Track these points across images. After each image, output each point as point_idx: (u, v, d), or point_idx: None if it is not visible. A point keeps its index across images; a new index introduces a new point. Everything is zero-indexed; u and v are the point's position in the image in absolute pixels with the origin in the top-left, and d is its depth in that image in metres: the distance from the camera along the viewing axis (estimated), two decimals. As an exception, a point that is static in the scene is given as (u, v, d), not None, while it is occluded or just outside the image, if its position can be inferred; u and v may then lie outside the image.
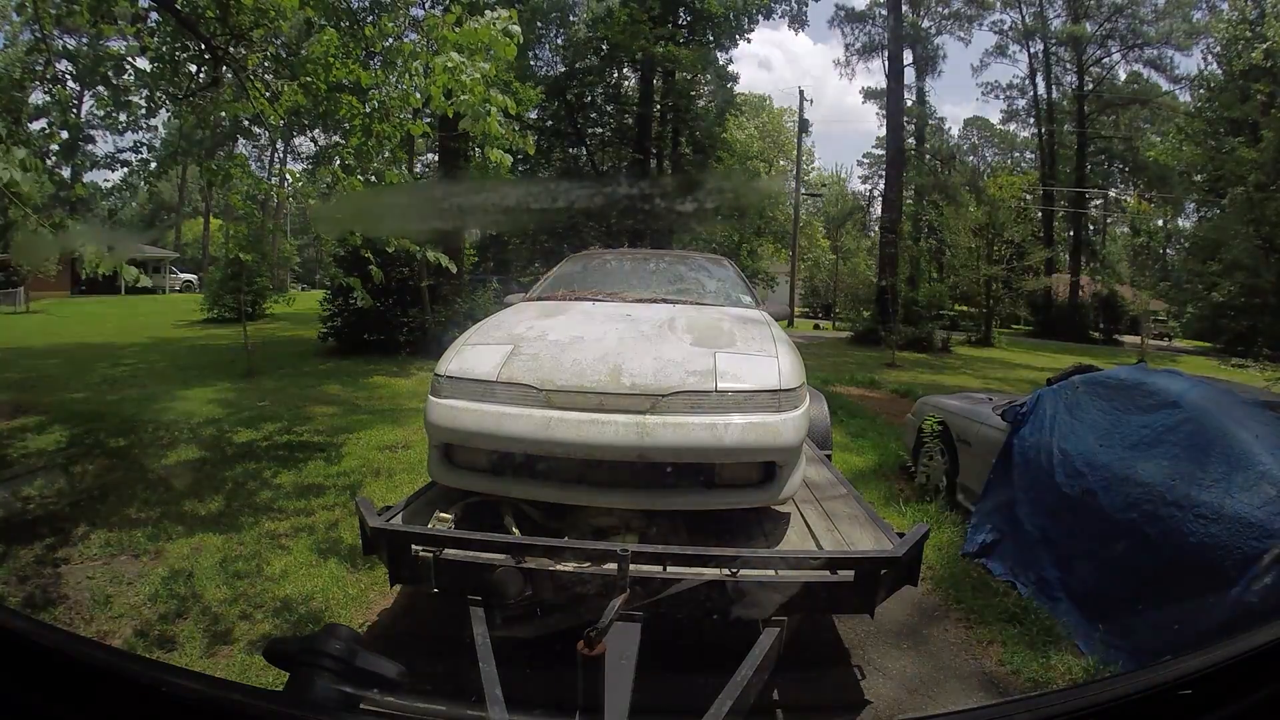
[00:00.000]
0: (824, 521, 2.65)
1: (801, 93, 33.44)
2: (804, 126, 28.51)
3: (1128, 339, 27.64)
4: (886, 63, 26.94)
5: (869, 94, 35.67)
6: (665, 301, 3.44)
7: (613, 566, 1.83)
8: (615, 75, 23.54)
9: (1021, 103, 35.16)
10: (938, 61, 31.89)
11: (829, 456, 3.81)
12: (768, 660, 1.76)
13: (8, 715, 0.66)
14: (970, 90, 78.73)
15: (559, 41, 23.55)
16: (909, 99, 29.62)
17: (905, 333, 17.45)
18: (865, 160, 46.62)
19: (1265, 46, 15.68)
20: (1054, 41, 31.86)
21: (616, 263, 4.31)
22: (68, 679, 0.68)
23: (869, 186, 43.91)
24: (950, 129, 39.75)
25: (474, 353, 2.63)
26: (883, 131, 33.72)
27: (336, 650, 0.82)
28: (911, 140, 31.69)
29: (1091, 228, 35.02)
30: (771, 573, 2.07)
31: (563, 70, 23.04)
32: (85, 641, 0.74)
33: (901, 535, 2.25)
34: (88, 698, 0.68)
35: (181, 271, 34.52)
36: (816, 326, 27.97)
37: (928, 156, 33.57)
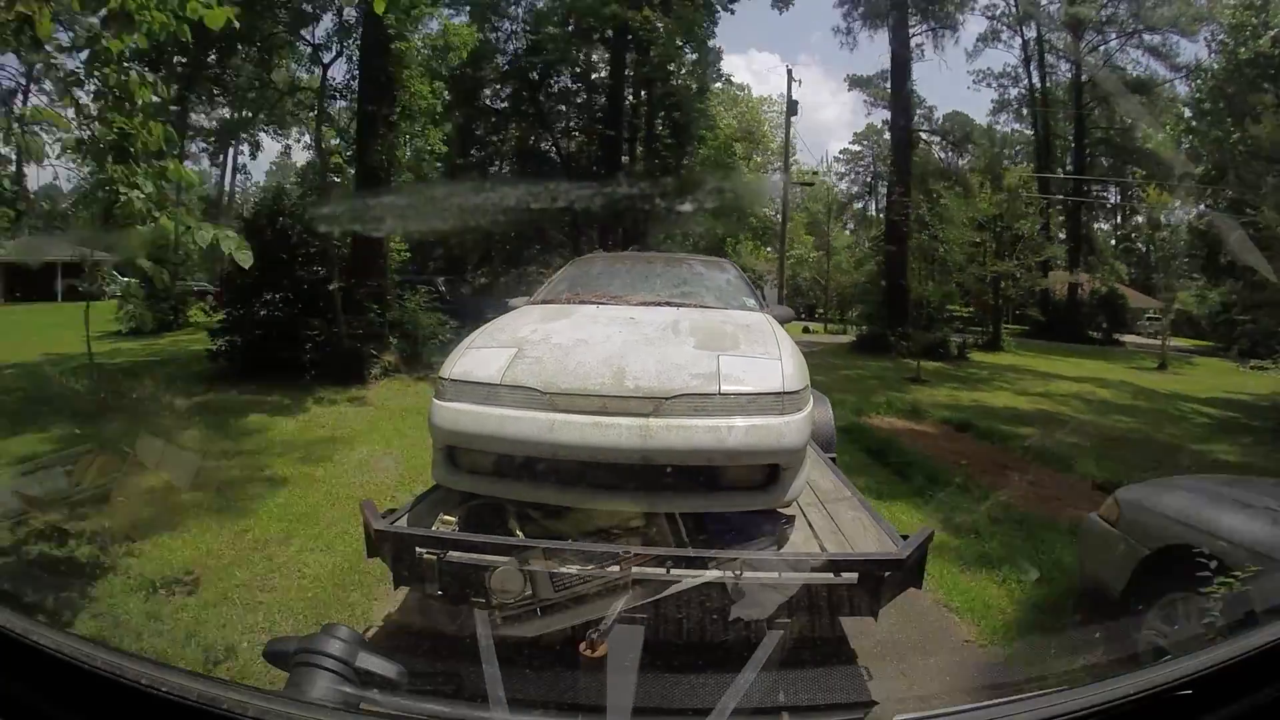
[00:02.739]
0: (828, 524, 2.65)
1: (790, 72, 29.78)
2: (793, 109, 24.83)
3: (1128, 339, 26.95)
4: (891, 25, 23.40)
5: (855, 81, 32.38)
6: (669, 304, 3.44)
7: (616, 568, 1.85)
8: (583, 50, 20.37)
9: (1014, 91, 32.55)
10: (953, 21, 27.53)
11: (834, 459, 3.80)
12: (772, 662, 1.77)
13: (8, 715, 0.66)
14: (960, 81, 72.48)
15: (519, 12, 20.89)
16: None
17: (918, 338, 15.73)
18: (842, 156, 42.45)
19: (1272, 34, 15.19)
20: (1049, 28, 29.81)
21: (620, 266, 4.33)
22: (68, 679, 0.68)
23: (848, 184, 41.35)
24: (937, 118, 36.66)
25: (478, 355, 2.65)
26: (866, 121, 31.74)
27: (336, 650, 0.83)
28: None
29: (1086, 221, 33.26)
30: (775, 575, 2.07)
31: (525, 45, 20.07)
32: (85, 641, 0.73)
33: (906, 537, 2.25)
34: (88, 698, 0.68)
35: (123, 275, 31.99)
36: (806, 330, 25.61)
37: (935, 138, 31.04)
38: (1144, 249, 35.08)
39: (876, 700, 2.53)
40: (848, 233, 36.66)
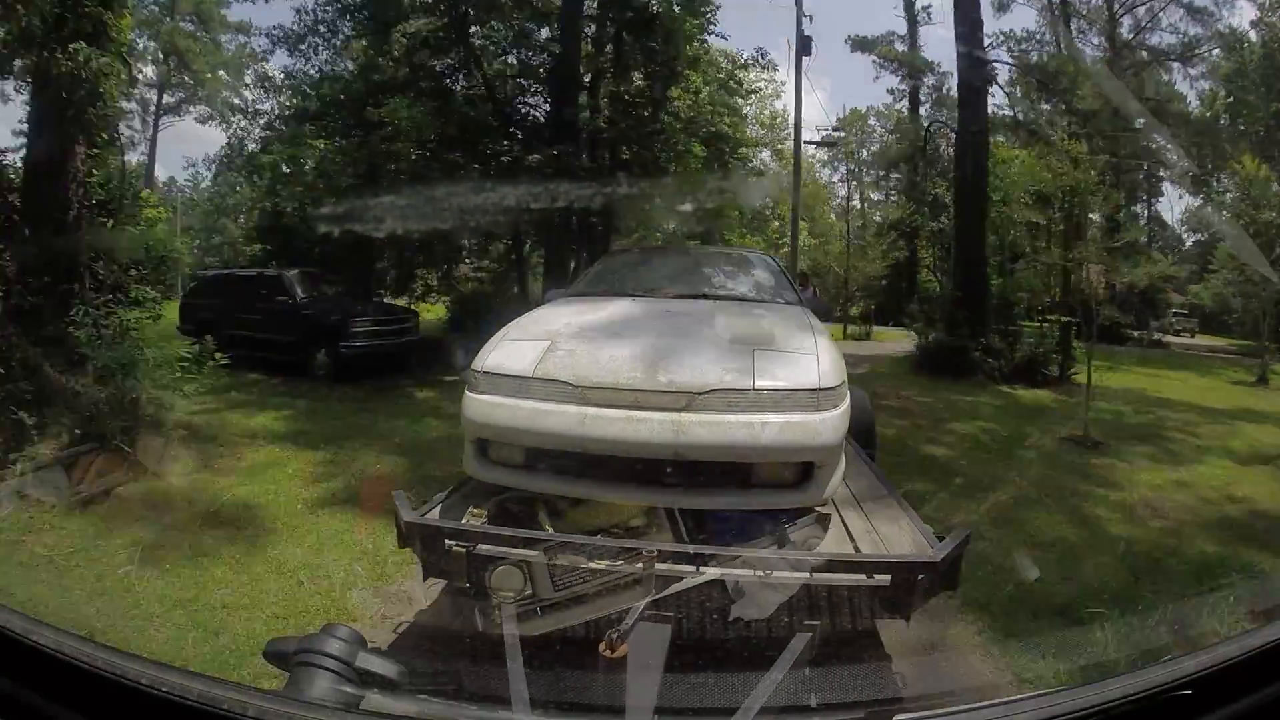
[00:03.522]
0: (863, 523, 2.60)
1: (799, 3, 23.91)
2: (805, 47, 17.42)
3: (1172, 340, 23.41)
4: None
5: (859, 44, 26.95)
6: (705, 298, 3.44)
7: (639, 565, 1.85)
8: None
9: (1035, 57, 26.09)
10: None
11: (873, 457, 3.71)
12: (800, 662, 1.76)
13: (8, 715, 0.66)
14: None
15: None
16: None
17: (1002, 350, 11.21)
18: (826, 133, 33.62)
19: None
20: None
21: (657, 258, 4.42)
22: (68, 679, 0.69)
23: (837, 171, 34.84)
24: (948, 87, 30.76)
25: (511, 348, 2.67)
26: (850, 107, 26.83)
27: (336, 650, 0.83)
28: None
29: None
30: (805, 575, 2.03)
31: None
32: (85, 641, 0.74)
33: (942, 539, 2.20)
34: (87, 698, 0.69)
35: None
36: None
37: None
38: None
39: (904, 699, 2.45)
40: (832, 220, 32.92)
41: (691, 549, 2.06)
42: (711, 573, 1.95)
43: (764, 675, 1.55)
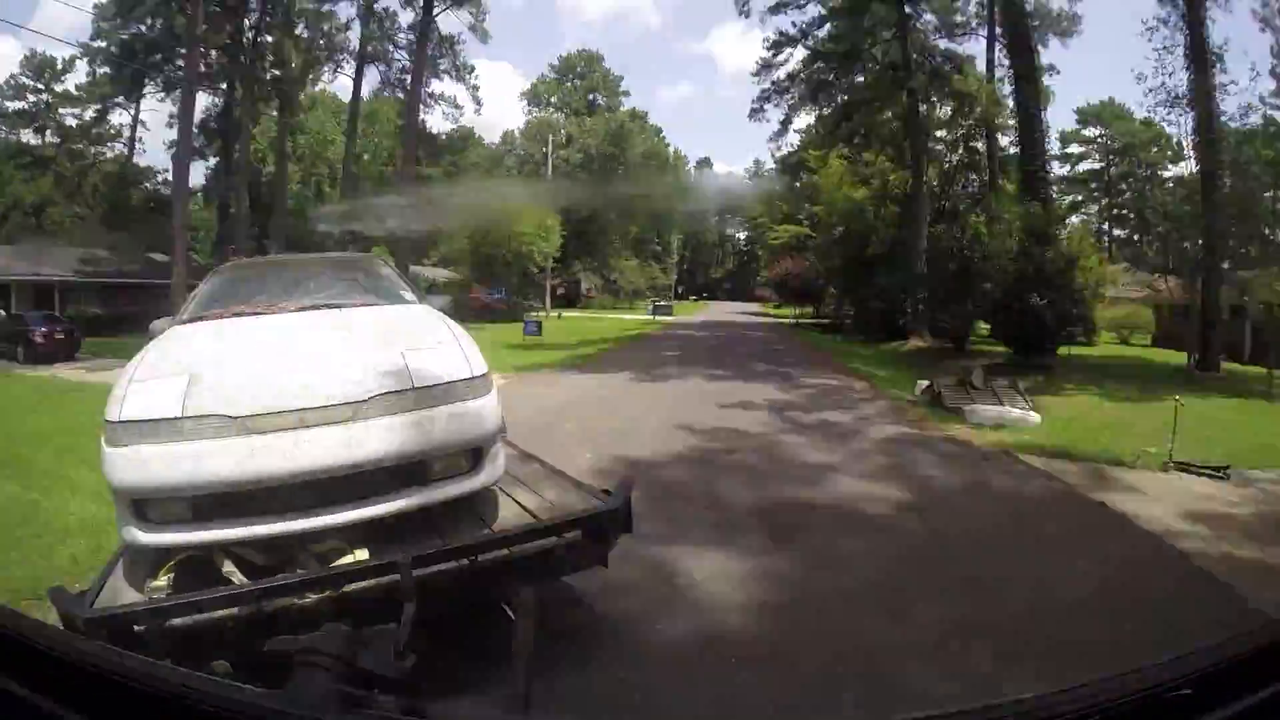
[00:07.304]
0: (530, 494, 2.77)
1: None
2: None
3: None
4: None
5: None
6: (331, 307, 3.29)
7: (396, 577, 1.94)
8: None
9: None
10: None
11: (503, 434, 3.94)
12: (534, 621, 1.85)
13: (8, 715, 0.66)
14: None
15: None
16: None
17: None
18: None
19: None
20: None
21: (266, 273, 4.21)
22: (68, 680, 0.69)
23: None
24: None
25: (147, 389, 2.34)
26: None
27: (337, 650, 0.83)
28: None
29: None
30: (505, 551, 2.21)
31: None
32: (85, 641, 0.74)
33: (607, 492, 2.52)
34: (88, 698, 0.68)
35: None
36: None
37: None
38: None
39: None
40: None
41: (433, 550, 2.15)
42: (421, 573, 2.01)
43: (513, 642, 1.72)
